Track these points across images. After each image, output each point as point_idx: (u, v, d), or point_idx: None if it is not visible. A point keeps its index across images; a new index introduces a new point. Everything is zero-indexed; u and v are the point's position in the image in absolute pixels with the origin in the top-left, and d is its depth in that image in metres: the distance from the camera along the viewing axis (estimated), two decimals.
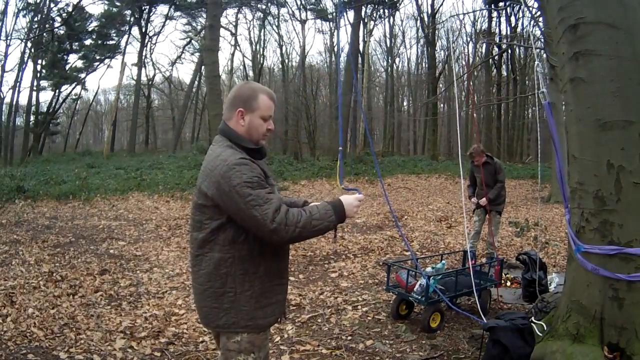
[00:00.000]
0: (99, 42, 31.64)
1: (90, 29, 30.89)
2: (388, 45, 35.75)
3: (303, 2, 33.61)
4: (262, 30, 36.79)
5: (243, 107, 1.91)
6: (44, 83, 30.97)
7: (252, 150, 1.91)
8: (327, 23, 35.25)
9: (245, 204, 1.72)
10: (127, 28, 32.55)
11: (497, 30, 30.00)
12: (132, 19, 32.27)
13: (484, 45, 28.68)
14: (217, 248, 1.85)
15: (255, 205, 1.72)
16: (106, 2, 30.44)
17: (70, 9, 27.74)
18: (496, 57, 28.74)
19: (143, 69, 34.52)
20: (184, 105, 35.59)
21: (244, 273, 1.86)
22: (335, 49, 35.67)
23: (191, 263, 1.98)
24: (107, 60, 33.34)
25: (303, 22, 35.44)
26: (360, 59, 27.95)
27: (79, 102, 38.86)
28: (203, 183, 1.85)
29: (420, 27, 30.76)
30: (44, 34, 27.56)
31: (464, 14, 21.09)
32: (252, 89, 1.94)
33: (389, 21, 34.59)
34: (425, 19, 29.30)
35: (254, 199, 1.73)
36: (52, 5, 27.54)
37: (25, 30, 27.42)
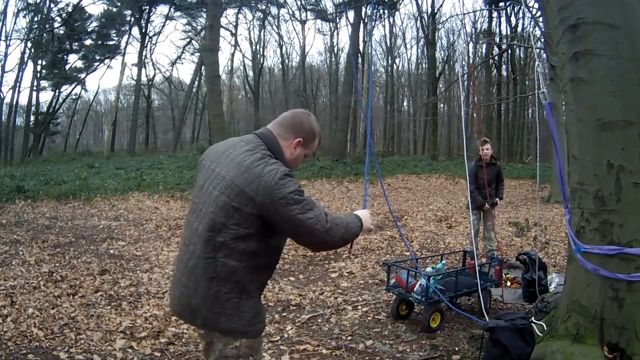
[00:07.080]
0: (99, 42, 31.65)
1: (90, 29, 30.90)
2: (388, 45, 35.79)
3: (303, 3, 33.66)
4: (262, 31, 36.90)
5: (303, 140, 1.98)
6: (44, 83, 31.01)
7: None
8: (327, 23, 35.31)
9: (302, 207, 1.80)
10: (127, 28, 32.56)
11: (497, 30, 30.03)
12: (132, 19, 32.27)
13: (484, 45, 28.68)
14: (236, 256, 1.81)
15: (309, 209, 1.81)
16: (106, 2, 30.48)
17: (70, 9, 27.72)
18: (496, 57, 28.74)
19: (143, 69, 34.56)
20: (184, 106, 35.59)
21: (252, 282, 1.89)
22: (335, 49, 35.77)
23: (191, 263, 1.87)
24: (107, 61, 33.38)
25: (303, 23, 35.51)
26: (360, 59, 27.95)
27: (79, 102, 38.85)
28: (248, 187, 1.79)
29: (420, 27, 30.77)
30: (44, 34, 27.54)
31: (464, 14, 21.04)
32: (317, 130, 2.04)
33: (389, 21, 34.62)
34: (425, 19, 29.30)
35: (308, 203, 1.83)
36: (52, 5, 27.56)
37: (25, 30, 27.40)
